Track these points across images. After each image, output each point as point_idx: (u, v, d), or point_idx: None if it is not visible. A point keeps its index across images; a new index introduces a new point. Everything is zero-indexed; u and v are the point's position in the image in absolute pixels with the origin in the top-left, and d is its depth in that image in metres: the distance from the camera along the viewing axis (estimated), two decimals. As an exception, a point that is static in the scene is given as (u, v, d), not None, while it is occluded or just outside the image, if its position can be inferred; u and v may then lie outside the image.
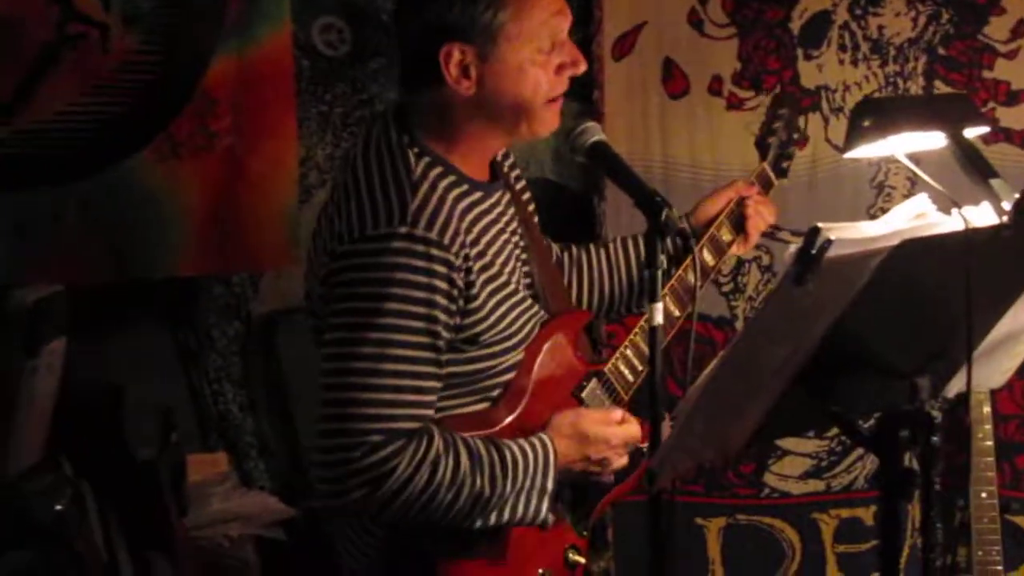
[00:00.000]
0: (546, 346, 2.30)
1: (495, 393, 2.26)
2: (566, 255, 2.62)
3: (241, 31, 3.39)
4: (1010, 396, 3.54)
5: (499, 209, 2.29)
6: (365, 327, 2.09)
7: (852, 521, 3.65)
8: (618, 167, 2.13)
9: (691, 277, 2.44)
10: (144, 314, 3.47)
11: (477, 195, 2.23)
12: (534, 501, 2.21)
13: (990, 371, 2.12)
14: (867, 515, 3.63)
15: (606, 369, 2.39)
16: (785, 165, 2.72)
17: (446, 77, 2.14)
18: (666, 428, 2.01)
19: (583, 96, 3.47)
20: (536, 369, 2.28)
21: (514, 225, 2.33)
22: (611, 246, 2.63)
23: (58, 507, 2.47)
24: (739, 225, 2.59)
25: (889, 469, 1.90)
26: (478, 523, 2.17)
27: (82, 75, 3.30)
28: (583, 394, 2.35)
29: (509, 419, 2.25)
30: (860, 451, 3.58)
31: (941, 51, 3.51)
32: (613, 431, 2.28)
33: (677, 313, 2.45)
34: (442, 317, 2.12)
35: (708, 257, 2.54)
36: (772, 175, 2.69)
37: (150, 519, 3.11)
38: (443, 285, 2.11)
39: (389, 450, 2.07)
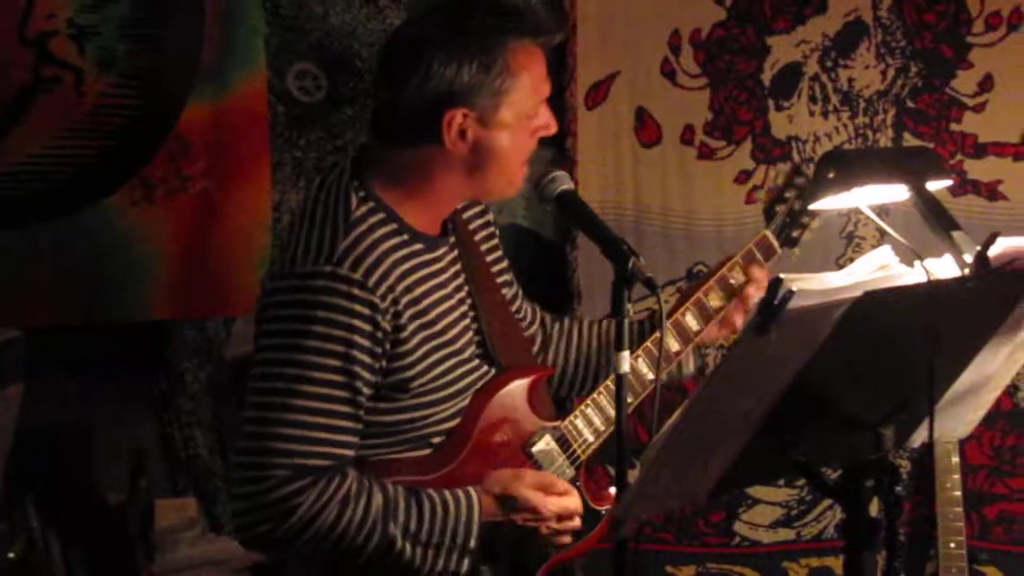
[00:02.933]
0: (496, 396, 2.27)
1: (436, 440, 2.22)
2: (556, 325, 2.61)
3: (216, 76, 3.41)
4: (979, 446, 3.55)
5: (441, 264, 2.27)
6: (282, 363, 2.08)
7: (822, 570, 3.65)
8: (585, 216, 2.14)
9: (670, 342, 2.42)
10: (116, 357, 3.45)
11: (417, 247, 2.22)
12: (454, 558, 2.16)
13: (955, 421, 2.14)
14: (837, 564, 3.63)
15: (563, 425, 2.34)
16: (796, 235, 2.61)
17: (444, 139, 2.15)
18: (633, 476, 2.01)
19: (556, 144, 3.49)
20: (482, 418, 2.25)
21: (459, 281, 2.30)
22: (603, 324, 2.61)
23: (11, 555, 2.44)
24: (732, 292, 2.50)
25: (854, 519, 1.91)
26: (394, 572, 2.14)
27: (56, 118, 3.31)
28: (533, 449, 2.31)
29: (447, 468, 2.21)
30: (830, 500, 3.58)
31: (910, 104, 3.55)
32: (544, 500, 2.20)
33: (651, 376, 2.40)
34: (363, 358, 2.10)
35: (692, 322, 2.48)
36: (775, 242, 2.58)
37: (117, 565, 3.09)
38: (365, 327, 2.09)
39: (293, 487, 2.06)
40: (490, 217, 2.47)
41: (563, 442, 2.34)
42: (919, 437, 2.05)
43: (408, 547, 2.12)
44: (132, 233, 3.37)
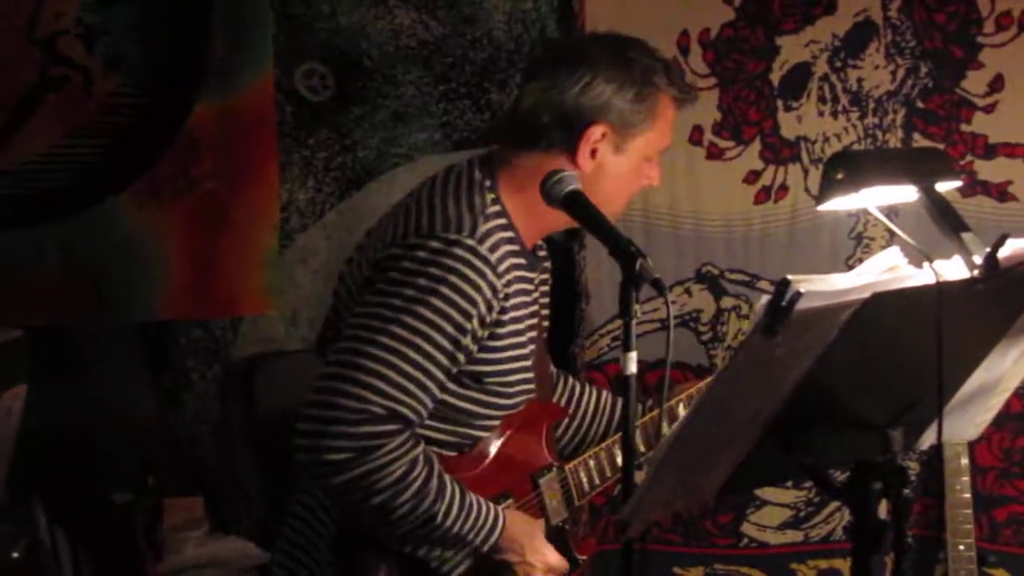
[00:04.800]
0: (523, 421, 2.36)
1: (467, 443, 2.30)
2: (561, 380, 2.68)
3: (224, 75, 3.41)
4: (988, 448, 3.54)
5: (533, 285, 2.36)
6: (404, 311, 2.13)
7: (830, 572, 3.64)
8: (593, 216, 2.14)
9: (664, 424, 2.45)
10: (123, 357, 3.46)
11: (523, 260, 2.30)
12: (461, 555, 2.24)
13: (964, 423, 2.13)
14: (845, 566, 3.62)
15: (568, 468, 2.44)
16: None
17: (578, 149, 2.24)
18: (639, 478, 2.01)
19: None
20: (506, 439, 2.34)
21: (536, 307, 2.39)
22: (603, 394, 2.69)
23: (15, 555, 2.44)
24: None
25: (861, 521, 1.90)
26: (409, 547, 2.21)
27: (64, 117, 3.31)
28: (541, 480, 2.39)
29: (466, 475, 2.27)
30: (838, 502, 3.57)
31: (920, 104, 3.54)
32: (554, 553, 2.32)
33: (643, 450, 2.48)
34: (469, 336, 2.18)
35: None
36: None
37: (124, 564, 3.10)
38: (483, 306, 2.18)
39: (384, 427, 2.10)
40: (549, 264, 2.54)
41: (564, 483, 2.43)
42: (928, 439, 2.04)
43: (439, 528, 2.18)
44: (139, 233, 3.38)
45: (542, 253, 2.49)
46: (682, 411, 2.57)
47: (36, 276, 3.30)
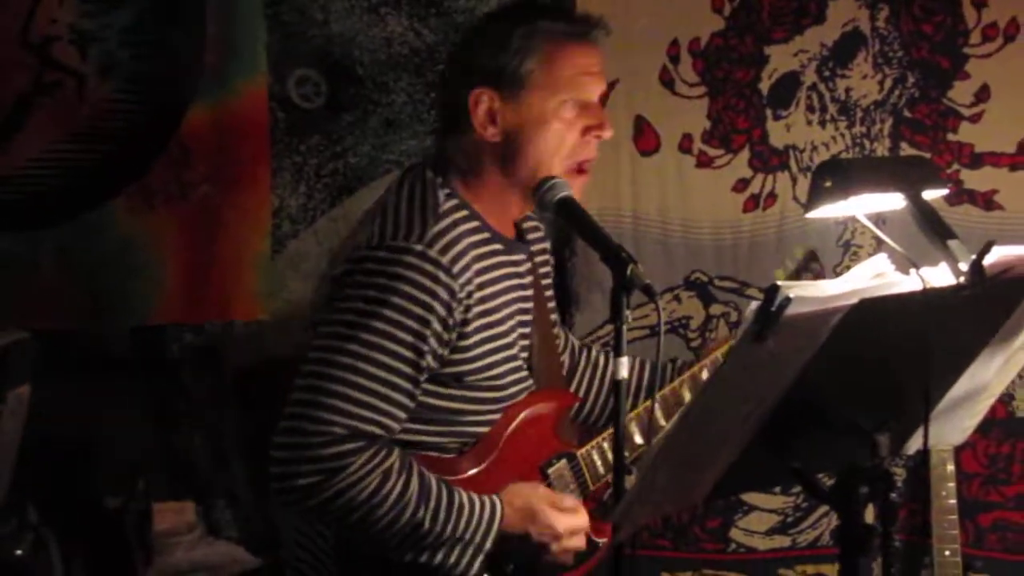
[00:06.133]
0: (526, 413, 2.33)
1: (468, 441, 2.28)
2: (584, 352, 2.67)
3: (217, 82, 3.42)
4: (974, 455, 3.56)
5: (517, 269, 2.33)
6: (358, 326, 2.12)
7: (817, 577, 3.66)
8: (584, 223, 2.16)
9: (685, 392, 2.47)
10: (116, 361, 3.46)
11: (497, 246, 2.28)
12: (468, 555, 2.21)
13: (950, 429, 2.15)
14: (832, 572, 3.63)
15: (579, 453, 2.40)
16: None
17: (473, 121, 2.22)
18: (630, 482, 2.02)
19: (555, 152, 3.50)
20: (510, 432, 2.31)
21: (528, 292, 2.36)
22: (634, 363, 2.63)
23: (18, 552, 2.46)
24: None
25: (848, 526, 1.92)
26: (408, 556, 2.18)
27: (58, 123, 3.32)
28: (550, 470, 2.36)
29: (470, 472, 2.26)
30: (826, 507, 3.59)
31: (907, 114, 3.56)
32: (560, 518, 2.26)
33: (639, 441, 2.45)
34: (432, 340, 2.15)
35: (686, 394, 2.52)
36: None
37: (115, 568, 3.10)
38: (441, 310, 2.15)
39: (347, 446, 2.10)
40: (547, 245, 2.53)
41: (576, 470, 2.40)
42: (914, 444, 2.05)
43: (430, 534, 2.16)
44: (133, 238, 3.39)
45: (534, 235, 2.46)
46: (686, 392, 2.53)
47: (30, 281, 3.31)
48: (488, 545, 2.21)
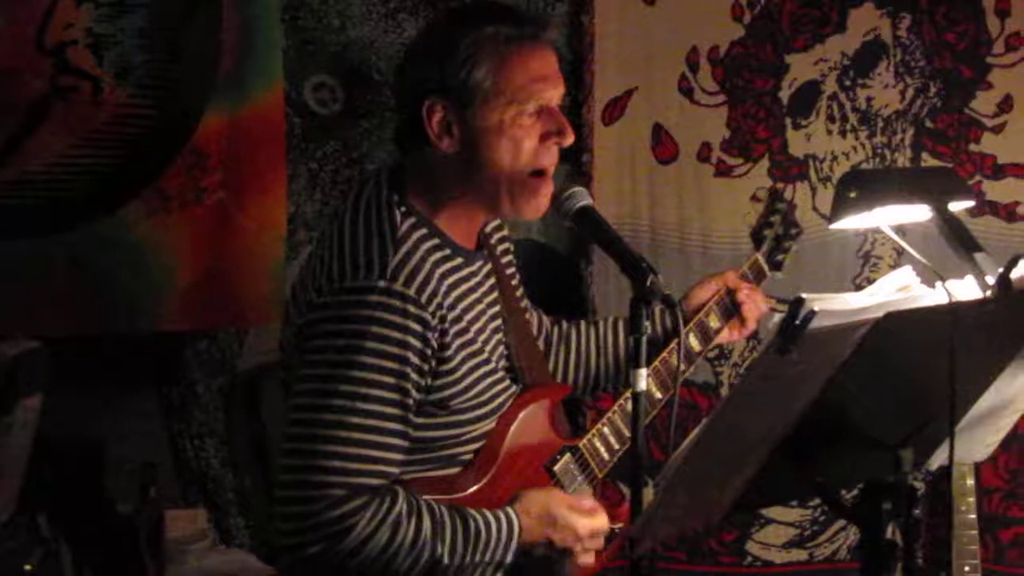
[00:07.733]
0: (520, 416, 2.29)
1: (465, 459, 2.23)
2: (556, 329, 2.62)
3: (233, 87, 3.40)
4: (994, 469, 3.54)
5: (478, 279, 2.28)
6: (334, 379, 2.07)
7: (835, 592, 3.64)
8: (604, 232, 2.14)
9: (674, 360, 2.40)
10: (128, 368, 3.45)
11: (458, 260, 2.22)
12: (488, 572, 2.18)
13: (973, 444, 2.13)
14: (849, 586, 3.62)
15: (581, 444, 2.36)
16: (780, 258, 2.72)
17: (428, 134, 2.15)
18: (648, 494, 2.00)
19: (573, 159, 3.49)
20: (508, 439, 2.27)
21: (492, 296, 2.32)
22: (601, 324, 2.62)
23: (27, 567, 2.43)
24: (728, 313, 2.58)
25: (871, 541, 1.90)
26: None
27: (73, 127, 3.30)
28: (555, 467, 2.33)
29: (476, 487, 2.22)
30: (843, 521, 3.56)
31: (928, 124, 3.54)
32: (582, 521, 2.22)
33: (659, 396, 2.43)
34: (413, 376, 2.10)
35: (694, 342, 2.53)
36: (766, 266, 2.69)
37: (127, 575, 3.08)
38: (417, 343, 2.09)
39: (350, 506, 2.05)
40: (506, 232, 2.48)
41: (581, 461, 2.36)
42: (938, 459, 2.03)
43: (451, 567, 2.12)
44: (147, 244, 3.37)
45: (498, 236, 2.40)
46: (693, 340, 2.52)
47: (44, 286, 3.29)
48: (509, 559, 2.17)
